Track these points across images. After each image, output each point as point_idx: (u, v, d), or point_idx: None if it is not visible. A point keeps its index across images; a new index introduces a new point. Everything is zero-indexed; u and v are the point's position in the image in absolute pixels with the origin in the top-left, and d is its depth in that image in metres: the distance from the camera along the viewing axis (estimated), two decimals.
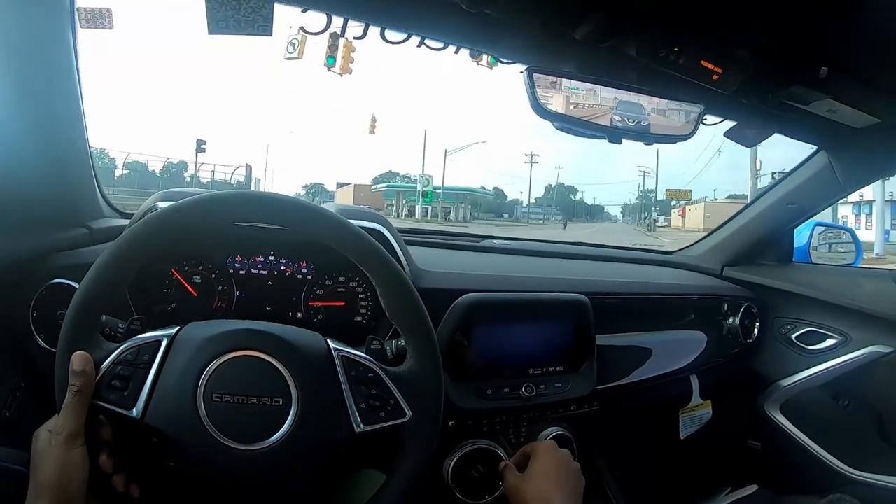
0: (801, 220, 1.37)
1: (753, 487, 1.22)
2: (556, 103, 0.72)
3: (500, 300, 0.95)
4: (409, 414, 0.60)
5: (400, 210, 38.98)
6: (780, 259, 1.42)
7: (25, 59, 0.73)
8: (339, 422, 0.58)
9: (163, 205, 0.84)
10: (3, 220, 0.80)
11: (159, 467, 0.58)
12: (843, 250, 1.48)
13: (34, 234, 0.82)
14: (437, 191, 35.03)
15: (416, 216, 32.85)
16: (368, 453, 0.75)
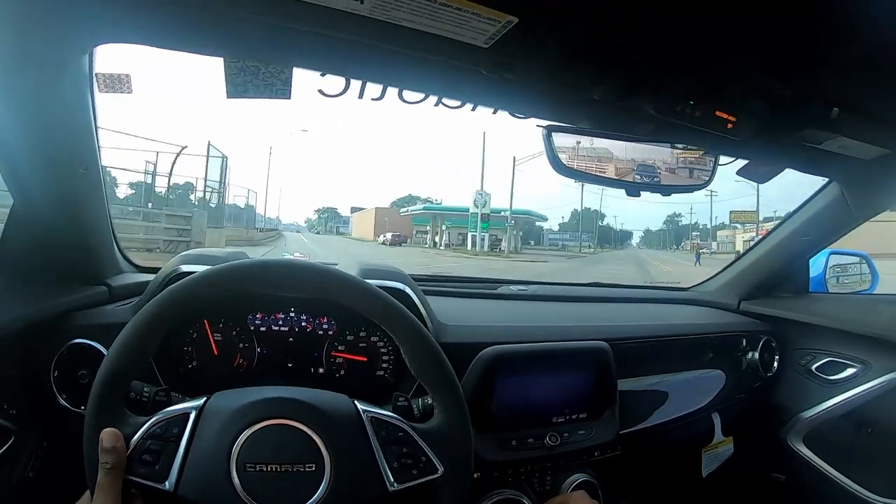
0: (815, 250, 1.37)
1: None
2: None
3: (522, 352, 0.94)
4: (440, 469, 0.61)
5: (438, 238, 32.56)
6: (797, 290, 1.41)
7: (47, 121, 0.74)
8: (373, 482, 0.59)
9: (185, 268, 0.84)
10: (25, 280, 0.81)
11: None
12: (858, 277, 1.47)
13: (55, 293, 0.83)
14: (499, 213, 27.67)
15: (468, 247, 26.65)
16: None
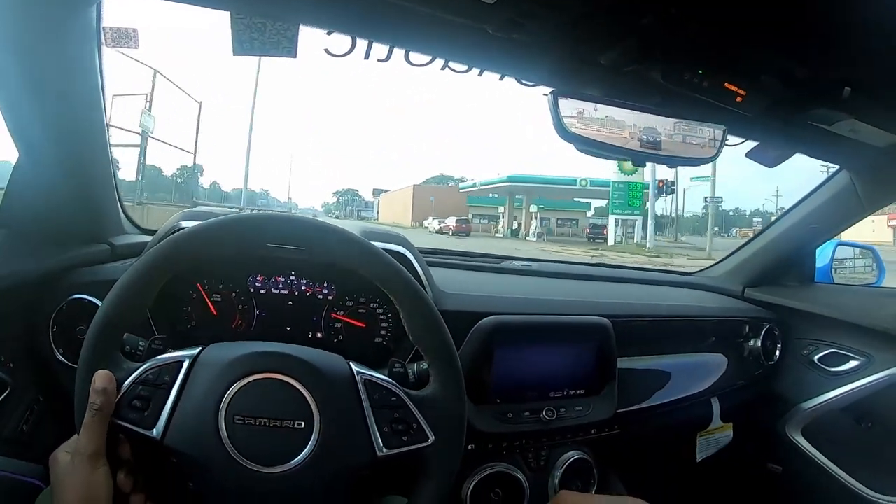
0: (822, 240, 1.36)
1: None
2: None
3: (522, 323, 0.94)
4: (431, 438, 0.60)
5: (525, 224, 25.25)
6: (802, 280, 1.40)
7: (54, 76, 0.73)
8: (362, 445, 0.58)
9: (185, 224, 0.84)
10: (26, 236, 0.81)
11: (178, 488, 0.58)
12: (865, 270, 1.46)
13: (56, 249, 0.83)
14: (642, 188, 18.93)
15: (610, 239, 19.48)
16: (390, 478, 0.74)
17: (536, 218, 25.89)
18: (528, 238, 24.03)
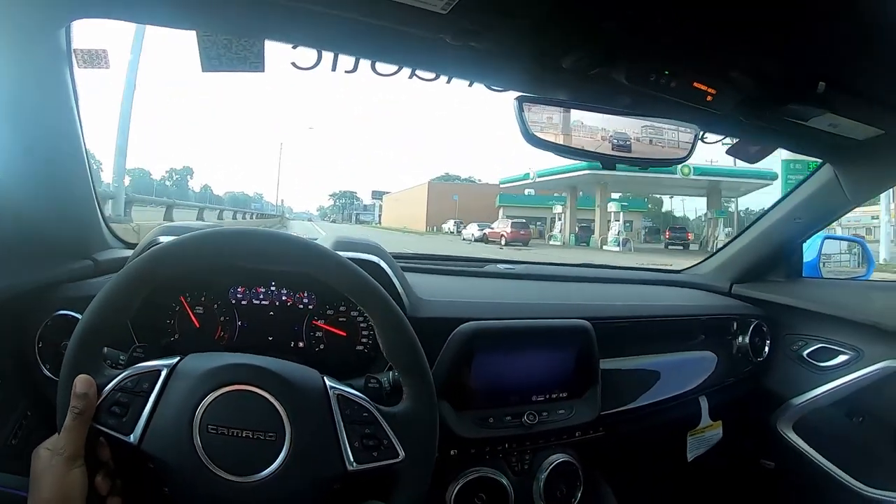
0: (809, 234, 1.35)
1: None
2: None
3: (500, 328, 0.94)
4: (401, 455, 0.61)
5: (602, 228, 19.52)
6: (790, 275, 1.39)
7: (27, 99, 0.75)
8: (332, 459, 0.58)
9: (164, 239, 0.85)
10: (10, 253, 0.82)
11: (154, 493, 0.59)
12: (853, 263, 1.45)
13: (41, 266, 0.84)
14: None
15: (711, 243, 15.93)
16: (362, 491, 0.75)
17: (619, 219, 19.52)
18: (605, 247, 18.28)
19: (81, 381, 0.56)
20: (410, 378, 0.64)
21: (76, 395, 0.55)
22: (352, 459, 0.59)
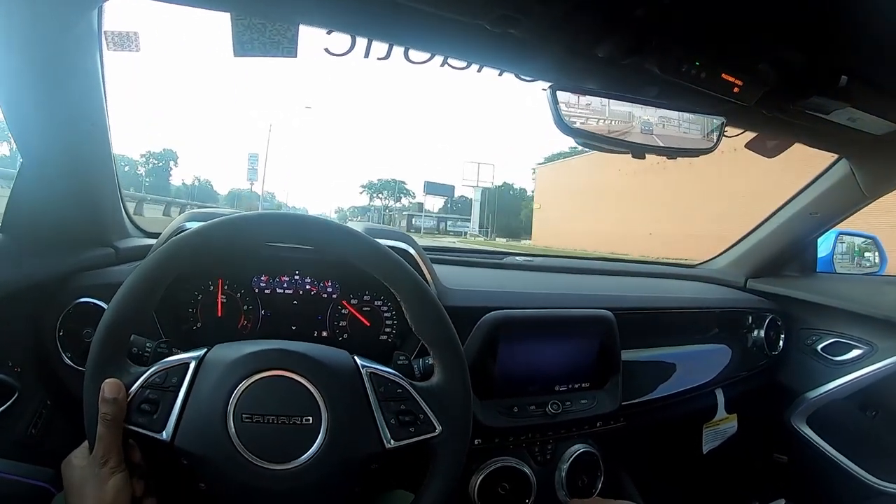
0: (823, 229, 1.36)
1: (781, 502, 1.20)
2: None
3: (525, 317, 0.94)
4: (438, 428, 0.60)
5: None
6: (804, 269, 1.41)
7: (56, 80, 0.74)
8: (369, 438, 0.58)
9: (190, 225, 0.85)
10: (32, 241, 0.82)
11: (190, 490, 0.58)
12: (867, 259, 1.46)
13: (62, 253, 0.83)
14: None
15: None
16: (398, 472, 0.75)
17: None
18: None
19: (109, 386, 0.54)
20: (442, 352, 0.64)
21: (105, 401, 0.54)
22: (389, 437, 0.58)
